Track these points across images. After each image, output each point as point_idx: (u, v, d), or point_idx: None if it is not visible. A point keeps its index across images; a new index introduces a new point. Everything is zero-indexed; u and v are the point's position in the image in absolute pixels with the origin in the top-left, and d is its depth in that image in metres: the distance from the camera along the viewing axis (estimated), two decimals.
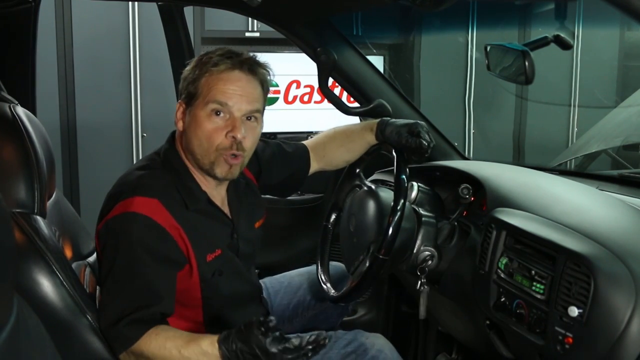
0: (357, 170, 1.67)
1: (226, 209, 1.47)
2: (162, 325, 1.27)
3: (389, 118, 1.63)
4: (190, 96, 1.38)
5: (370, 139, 1.64)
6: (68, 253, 1.41)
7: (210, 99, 1.35)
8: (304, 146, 1.72)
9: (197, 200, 1.39)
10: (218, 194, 1.45)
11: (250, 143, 1.39)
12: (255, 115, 1.39)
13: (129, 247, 1.27)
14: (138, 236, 1.27)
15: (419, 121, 1.57)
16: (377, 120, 1.63)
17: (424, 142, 1.49)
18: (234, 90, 1.35)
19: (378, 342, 1.48)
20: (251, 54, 1.42)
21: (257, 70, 1.40)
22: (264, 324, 1.13)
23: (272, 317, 1.15)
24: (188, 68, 1.41)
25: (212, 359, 1.18)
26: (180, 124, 1.41)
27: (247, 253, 1.51)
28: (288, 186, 1.73)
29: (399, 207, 1.35)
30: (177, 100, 1.43)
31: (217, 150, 1.35)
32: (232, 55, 1.38)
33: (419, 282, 1.49)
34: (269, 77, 1.43)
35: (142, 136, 3.71)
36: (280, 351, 1.12)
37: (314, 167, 1.72)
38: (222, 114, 1.35)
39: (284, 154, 1.68)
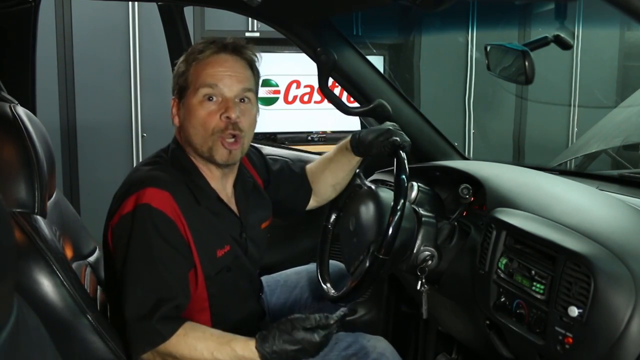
0: (357, 170, 1.67)
1: (234, 207, 1.47)
2: (188, 323, 1.26)
3: (360, 130, 1.61)
4: (181, 89, 1.39)
5: (350, 157, 1.63)
6: (68, 253, 1.41)
7: (200, 84, 1.35)
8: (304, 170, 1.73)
9: (207, 197, 1.39)
10: (224, 189, 1.45)
11: (247, 123, 1.38)
12: (248, 96, 1.39)
13: (146, 239, 1.27)
14: (153, 228, 1.27)
15: (387, 125, 1.57)
16: (349, 137, 1.63)
17: (402, 144, 1.48)
18: (223, 71, 1.36)
19: (380, 345, 1.48)
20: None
21: (242, 51, 1.40)
22: (304, 320, 1.23)
23: (309, 316, 1.25)
24: (177, 65, 1.42)
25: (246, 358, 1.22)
26: (176, 119, 1.42)
27: (254, 255, 1.51)
28: (288, 206, 1.71)
29: (399, 207, 1.35)
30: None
31: (214, 134, 1.35)
32: (215, 40, 1.39)
33: (420, 282, 1.49)
34: (256, 59, 1.43)
35: (142, 136, 3.72)
36: (323, 337, 1.23)
37: (311, 203, 1.72)
38: (214, 98, 1.36)
39: (291, 172, 1.69)
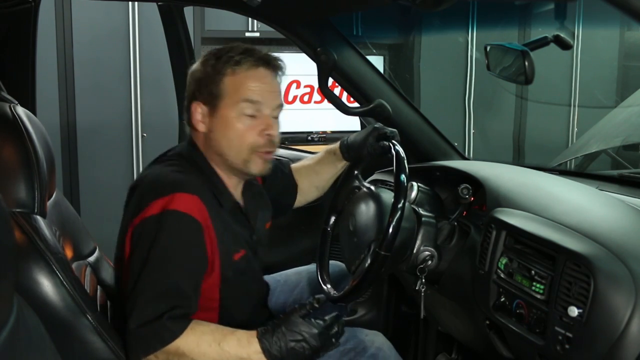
0: (356, 172, 1.66)
1: (244, 209, 1.48)
2: (194, 321, 1.25)
3: (347, 136, 1.64)
4: (213, 97, 1.36)
5: (337, 162, 1.67)
6: (68, 253, 1.41)
7: (240, 99, 1.35)
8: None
9: (228, 200, 1.41)
10: (237, 194, 1.47)
11: (278, 139, 1.42)
12: (279, 112, 1.42)
13: (169, 245, 1.26)
14: (178, 234, 1.26)
15: (372, 125, 1.59)
16: (337, 143, 1.66)
17: (392, 134, 1.52)
18: (263, 87, 1.36)
19: (377, 339, 1.49)
20: None
21: (277, 65, 1.41)
22: (305, 312, 1.23)
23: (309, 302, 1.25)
24: (198, 67, 1.40)
25: (251, 352, 1.22)
26: (201, 127, 1.39)
27: (260, 255, 1.53)
28: (278, 205, 1.71)
29: (399, 207, 1.35)
30: (177, 99, 1.44)
31: (251, 149, 1.36)
32: (252, 53, 1.38)
33: (418, 282, 1.49)
34: (282, 72, 1.44)
35: (142, 136, 3.71)
36: (324, 330, 1.23)
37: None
38: (252, 113, 1.36)
39: (280, 171, 1.70)
